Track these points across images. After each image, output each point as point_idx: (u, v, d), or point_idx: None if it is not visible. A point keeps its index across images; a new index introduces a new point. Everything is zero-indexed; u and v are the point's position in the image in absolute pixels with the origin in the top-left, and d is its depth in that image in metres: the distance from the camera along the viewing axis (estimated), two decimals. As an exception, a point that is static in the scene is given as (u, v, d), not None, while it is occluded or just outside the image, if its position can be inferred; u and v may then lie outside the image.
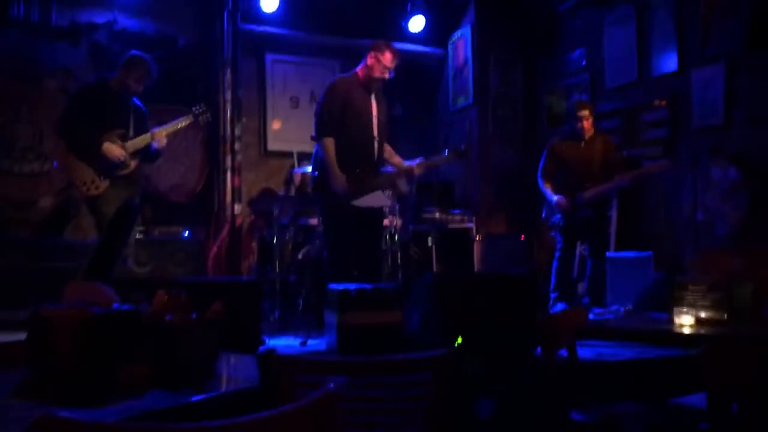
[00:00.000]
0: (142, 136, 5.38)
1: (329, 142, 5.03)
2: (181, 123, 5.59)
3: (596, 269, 6.22)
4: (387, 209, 5.66)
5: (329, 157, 5.00)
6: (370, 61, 5.14)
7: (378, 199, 5.19)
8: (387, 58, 5.13)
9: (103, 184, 5.27)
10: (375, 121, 5.19)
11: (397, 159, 5.39)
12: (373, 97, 5.22)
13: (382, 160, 5.29)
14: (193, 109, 5.73)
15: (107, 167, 5.27)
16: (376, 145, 5.17)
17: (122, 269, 5.14)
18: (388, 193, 5.36)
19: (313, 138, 5.19)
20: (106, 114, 5.32)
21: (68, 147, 5.32)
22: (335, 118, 5.06)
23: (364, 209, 5.09)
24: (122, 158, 5.27)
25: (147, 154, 5.49)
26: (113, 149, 5.25)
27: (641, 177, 6.26)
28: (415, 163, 5.33)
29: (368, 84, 5.18)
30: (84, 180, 5.26)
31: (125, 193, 5.21)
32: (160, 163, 6.34)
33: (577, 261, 6.69)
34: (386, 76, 5.17)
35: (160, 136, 5.40)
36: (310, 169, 5.68)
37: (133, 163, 5.40)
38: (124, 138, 5.33)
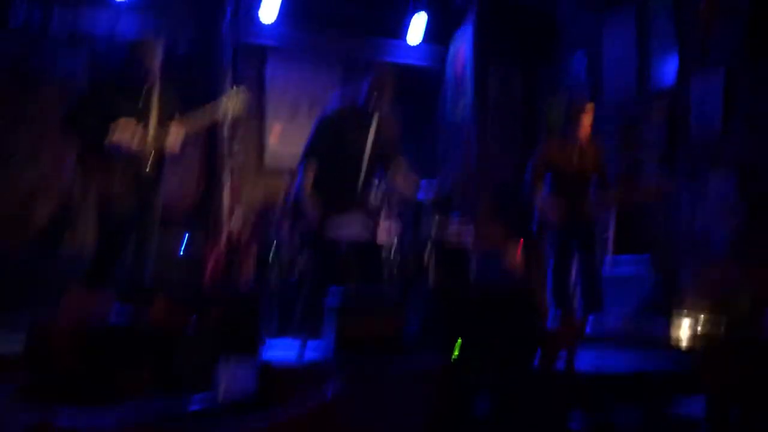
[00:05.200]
0: (155, 136, 4.86)
1: (309, 167, 4.95)
2: (206, 115, 5.13)
3: (589, 279, 6.12)
4: (388, 240, 5.55)
5: (305, 182, 4.94)
6: (369, 92, 5.02)
7: (354, 226, 5.09)
8: (387, 94, 5.02)
9: (118, 184, 4.80)
10: (368, 149, 5.04)
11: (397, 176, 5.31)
12: (373, 122, 5.07)
13: (368, 185, 5.22)
14: (223, 101, 5.26)
15: (123, 165, 4.78)
16: (364, 166, 5.04)
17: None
18: (369, 222, 5.24)
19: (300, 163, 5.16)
20: (123, 109, 4.81)
21: (79, 148, 4.89)
22: (324, 145, 4.99)
23: (354, 243, 5.04)
24: (132, 145, 4.76)
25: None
26: (122, 133, 4.73)
27: (643, 198, 6.19)
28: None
29: (365, 111, 5.06)
30: (95, 183, 4.87)
31: (138, 197, 4.87)
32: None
33: (573, 270, 6.63)
34: (383, 108, 5.10)
35: (174, 135, 4.88)
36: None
37: (151, 163, 4.89)
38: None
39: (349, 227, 5.01)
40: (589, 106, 6.24)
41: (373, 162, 5.11)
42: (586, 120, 6.04)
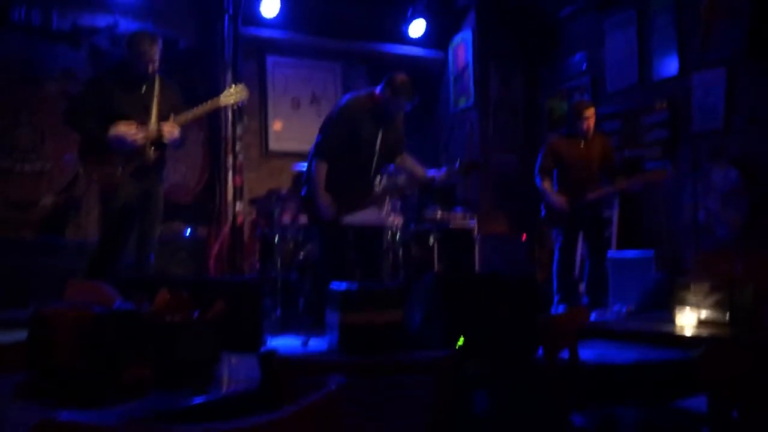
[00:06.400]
0: (155, 128, 4.94)
1: (322, 167, 5.00)
2: (203, 108, 5.15)
3: (596, 270, 6.19)
4: (388, 221, 5.62)
5: (318, 180, 4.99)
6: (386, 95, 5.04)
7: (371, 215, 5.17)
8: (402, 101, 5.04)
9: (120, 177, 4.90)
10: (379, 143, 5.11)
11: (418, 169, 5.33)
12: (383, 121, 5.12)
13: (378, 175, 5.25)
14: (224, 91, 5.35)
15: (125, 156, 4.87)
16: (374, 164, 5.13)
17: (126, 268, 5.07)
18: (390, 203, 5.32)
19: (310, 152, 5.17)
20: (124, 102, 4.92)
21: (82, 138, 4.98)
22: (339, 143, 5.02)
23: (361, 227, 5.09)
24: (133, 136, 4.82)
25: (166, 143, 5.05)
26: (121, 127, 4.80)
27: (645, 184, 6.20)
28: (435, 175, 5.25)
29: (380, 111, 5.10)
30: (100, 172, 4.92)
31: (141, 187, 4.97)
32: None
33: (578, 261, 6.67)
34: (399, 113, 5.13)
35: (168, 130, 4.95)
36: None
37: (152, 152, 4.97)
38: (144, 127, 4.92)
39: (369, 214, 5.10)
40: (592, 104, 6.37)
41: (382, 159, 5.15)
42: (590, 117, 6.15)
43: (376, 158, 5.12)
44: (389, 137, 5.17)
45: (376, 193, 5.18)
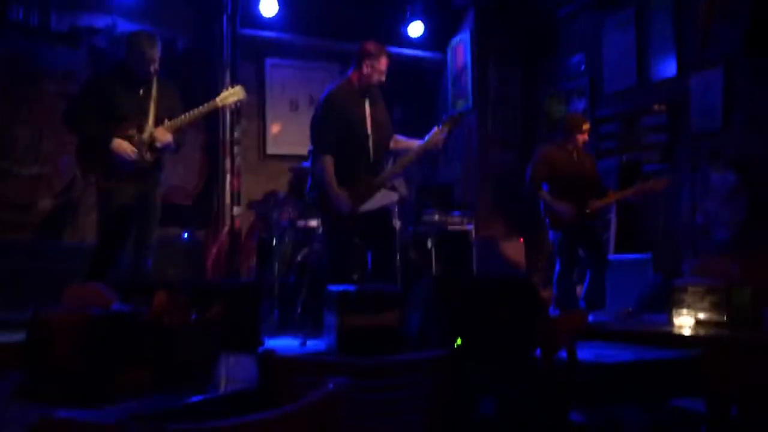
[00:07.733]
0: (150, 132, 4.92)
1: (329, 161, 4.95)
2: (200, 111, 5.10)
3: (596, 284, 6.10)
4: (395, 206, 5.60)
5: (329, 176, 4.93)
6: (366, 69, 5.04)
7: (385, 197, 5.14)
8: (382, 64, 5.04)
9: (118, 180, 4.88)
10: (369, 122, 5.10)
11: (410, 142, 5.26)
12: (367, 99, 5.13)
13: (381, 159, 5.24)
14: (221, 92, 5.31)
15: (120, 164, 4.84)
16: (371, 145, 5.09)
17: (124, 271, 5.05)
18: (398, 183, 5.29)
19: (310, 151, 5.16)
20: (123, 104, 4.88)
21: (79, 140, 4.97)
22: (333, 132, 5.01)
23: (370, 213, 5.07)
24: (132, 156, 4.84)
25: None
26: (123, 147, 4.81)
27: (646, 193, 6.19)
28: (423, 142, 5.16)
29: (363, 89, 5.10)
30: (96, 175, 4.90)
31: (138, 190, 4.94)
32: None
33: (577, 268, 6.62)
34: (383, 79, 5.14)
35: (160, 136, 4.92)
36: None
37: (149, 156, 4.94)
38: (141, 129, 4.90)
39: (383, 196, 5.07)
40: (587, 119, 6.39)
41: (378, 139, 5.13)
42: (587, 131, 6.17)
43: (371, 137, 5.10)
44: (377, 114, 5.15)
45: (381, 176, 5.15)
